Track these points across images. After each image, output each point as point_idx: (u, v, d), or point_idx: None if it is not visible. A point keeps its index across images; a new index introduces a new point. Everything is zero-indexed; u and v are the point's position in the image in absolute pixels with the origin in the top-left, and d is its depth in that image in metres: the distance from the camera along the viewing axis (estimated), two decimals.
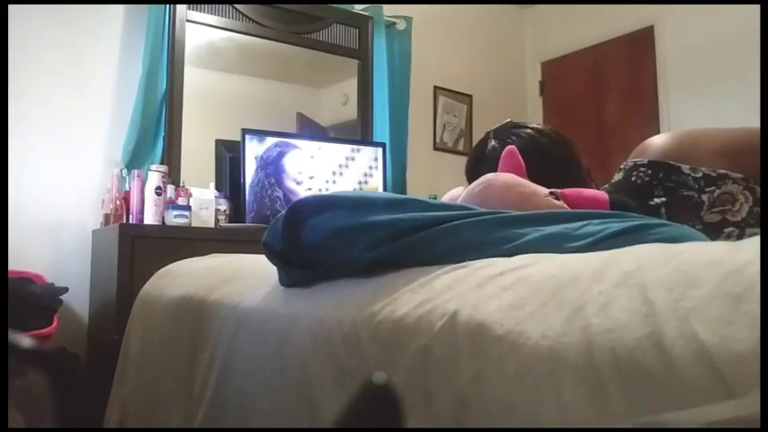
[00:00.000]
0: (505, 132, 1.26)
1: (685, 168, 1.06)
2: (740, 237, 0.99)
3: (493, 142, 1.26)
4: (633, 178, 1.11)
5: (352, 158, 2.89)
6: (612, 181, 1.20)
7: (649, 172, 1.09)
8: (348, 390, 0.71)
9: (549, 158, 1.19)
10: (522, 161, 1.09)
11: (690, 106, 3.40)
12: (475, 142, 1.42)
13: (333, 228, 0.82)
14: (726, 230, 1.01)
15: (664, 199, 1.05)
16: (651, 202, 1.06)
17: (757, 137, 1.10)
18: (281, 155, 2.67)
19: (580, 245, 0.74)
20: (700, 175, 1.05)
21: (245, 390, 0.92)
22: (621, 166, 1.17)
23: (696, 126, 1.30)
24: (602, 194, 1.03)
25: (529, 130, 1.24)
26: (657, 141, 1.16)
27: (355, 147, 2.94)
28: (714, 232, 1.00)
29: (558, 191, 1.00)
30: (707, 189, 1.03)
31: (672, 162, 1.08)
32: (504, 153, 1.11)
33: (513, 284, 0.62)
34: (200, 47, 2.93)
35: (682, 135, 1.16)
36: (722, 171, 1.04)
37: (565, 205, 0.98)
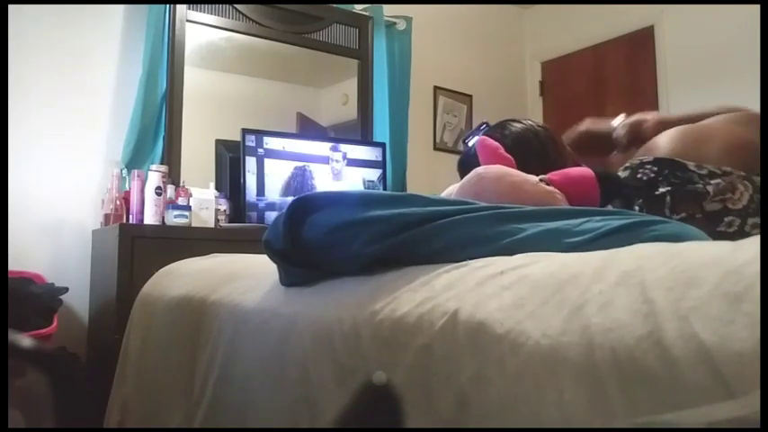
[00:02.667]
0: (490, 129, 1.31)
1: (691, 165, 1.08)
2: (742, 226, 1.00)
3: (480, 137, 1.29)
4: (639, 175, 1.12)
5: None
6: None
7: (655, 169, 1.11)
8: (348, 389, 0.71)
9: (531, 150, 1.22)
10: (494, 143, 1.12)
11: (690, 106, 3.40)
12: None
13: (333, 224, 0.82)
14: (726, 219, 1.01)
15: (669, 188, 1.06)
16: (657, 192, 1.07)
17: (754, 138, 1.12)
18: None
19: (579, 240, 0.75)
20: (705, 171, 1.06)
21: (246, 389, 0.92)
22: (627, 164, 1.18)
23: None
24: (587, 171, 1.05)
25: (514, 124, 1.29)
26: (662, 142, 1.18)
27: (355, 147, 2.94)
28: (714, 221, 1.01)
29: (546, 177, 1.01)
30: (712, 181, 1.04)
31: (678, 159, 1.09)
32: (477, 145, 1.13)
33: (514, 284, 0.62)
34: (200, 47, 2.93)
35: (685, 135, 1.18)
36: (726, 169, 1.05)
37: (555, 190, 0.99)
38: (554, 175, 1.02)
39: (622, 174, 1.18)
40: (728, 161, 1.08)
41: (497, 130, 1.28)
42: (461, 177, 1.29)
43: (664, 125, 1.30)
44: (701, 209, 1.03)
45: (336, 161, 2.83)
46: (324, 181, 2.79)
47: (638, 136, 1.33)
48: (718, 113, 1.30)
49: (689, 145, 1.14)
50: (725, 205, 1.02)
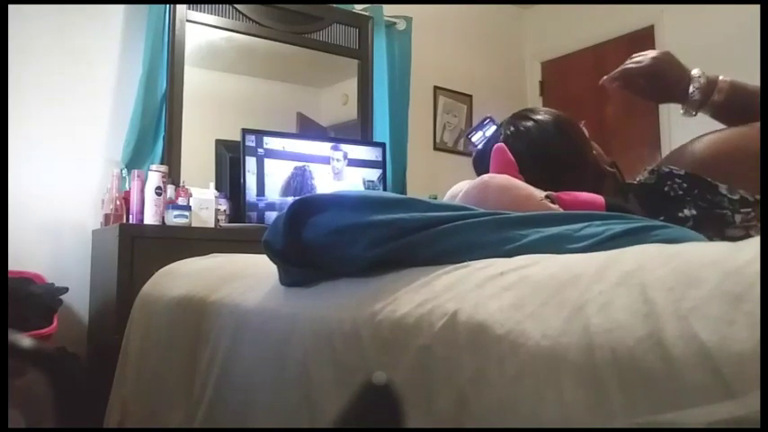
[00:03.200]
0: (509, 123, 1.22)
1: (723, 189, 1.01)
2: None
3: (497, 132, 1.23)
4: (667, 188, 1.06)
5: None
6: (642, 181, 1.15)
7: (684, 185, 1.05)
8: (348, 389, 0.71)
9: (545, 160, 1.15)
10: (511, 158, 1.08)
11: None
12: None
13: (334, 226, 0.82)
14: None
15: (695, 212, 1.02)
16: (681, 214, 1.03)
17: None
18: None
19: (581, 246, 0.74)
20: (737, 197, 1.00)
21: (246, 389, 0.92)
22: (654, 168, 1.12)
23: (696, 127, 1.26)
24: (599, 199, 1.01)
25: (530, 125, 1.19)
26: (695, 150, 1.10)
27: (355, 147, 2.95)
28: None
29: (554, 194, 1.00)
30: (742, 210, 0.99)
31: (710, 180, 1.03)
32: (493, 151, 1.10)
33: (514, 284, 0.62)
34: (200, 47, 2.93)
35: (719, 146, 1.09)
36: (759, 197, 1.00)
37: (560, 209, 0.97)
38: (564, 194, 1.00)
39: (646, 177, 1.13)
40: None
41: (508, 128, 1.20)
42: (477, 174, 1.26)
43: (735, 91, 1.19)
44: (721, 234, 0.99)
45: (337, 160, 2.83)
46: (324, 181, 2.79)
47: (710, 97, 1.19)
48: None
49: (721, 159, 1.06)
50: (747, 232, 0.98)
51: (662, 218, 1.03)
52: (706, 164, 1.06)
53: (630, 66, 1.22)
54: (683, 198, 1.04)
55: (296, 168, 2.73)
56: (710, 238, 0.96)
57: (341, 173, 2.84)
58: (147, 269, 1.52)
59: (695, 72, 1.21)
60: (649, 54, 1.22)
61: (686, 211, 1.02)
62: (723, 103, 1.18)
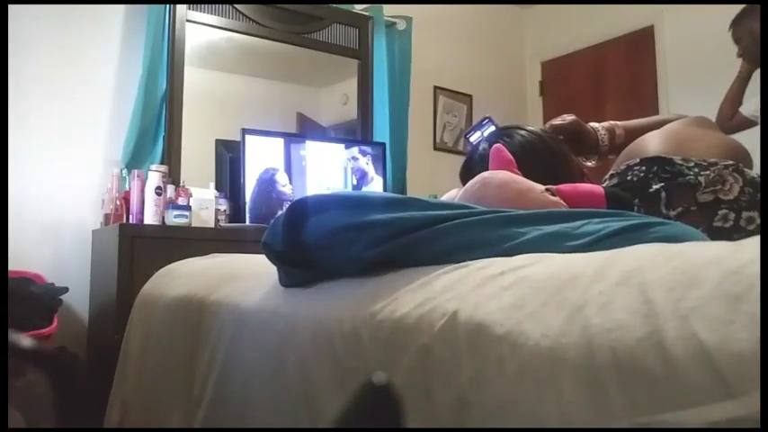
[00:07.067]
0: (496, 135, 1.28)
1: (677, 159, 1.09)
2: (737, 221, 1.01)
3: (484, 145, 1.26)
4: (629, 177, 1.13)
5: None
6: (606, 186, 1.20)
7: (643, 168, 1.12)
8: (348, 389, 0.71)
9: (539, 159, 1.19)
10: (510, 156, 1.10)
11: (690, 106, 3.39)
12: None
13: (333, 227, 0.82)
14: (720, 212, 1.02)
15: (662, 184, 1.08)
16: (651, 190, 1.08)
17: (737, 149, 1.16)
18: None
19: (580, 243, 0.75)
20: (692, 164, 1.08)
21: (246, 389, 0.92)
22: (612, 172, 1.19)
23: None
24: (597, 188, 1.05)
25: (522, 132, 1.25)
26: (646, 143, 1.19)
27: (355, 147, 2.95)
28: (709, 214, 1.03)
29: (554, 187, 1.01)
30: (702, 173, 1.06)
31: (664, 155, 1.11)
32: (492, 151, 1.12)
33: (514, 284, 0.62)
34: (200, 47, 2.93)
35: (667, 137, 1.20)
36: (712, 160, 1.08)
37: (561, 200, 0.98)
38: (563, 186, 1.02)
39: (609, 182, 1.19)
40: (713, 154, 1.10)
41: (503, 137, 1.25)
42: (463, 184, 1.28)
43: (630, 133, 1.32)
44: (694, 201, 1.05)
45: (365, 161, 2.88)
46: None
47: (614, 142, 1.34)
48: (670, 119, 1.33)
49: (674, 144, 1.15)
50: (717, 197, 1.04)
51: (636, 200, 1.09)
52: (660, 150, 1.15)
53: (557, 122, 1.34)
54: (646, 178, 1.11)
55: None
56: (687, 209, 1.03)
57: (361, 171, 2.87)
58: (147, 269, 1.52)
59: (594, 125, 1.36)
60: (567, 116, 1.36)
61: (654, 186, 1.09)
62: (624, 142, 1.31)
